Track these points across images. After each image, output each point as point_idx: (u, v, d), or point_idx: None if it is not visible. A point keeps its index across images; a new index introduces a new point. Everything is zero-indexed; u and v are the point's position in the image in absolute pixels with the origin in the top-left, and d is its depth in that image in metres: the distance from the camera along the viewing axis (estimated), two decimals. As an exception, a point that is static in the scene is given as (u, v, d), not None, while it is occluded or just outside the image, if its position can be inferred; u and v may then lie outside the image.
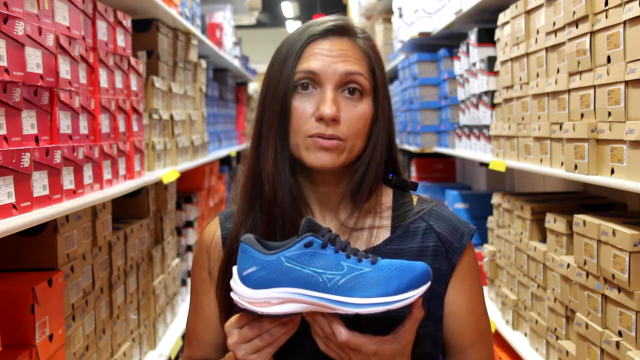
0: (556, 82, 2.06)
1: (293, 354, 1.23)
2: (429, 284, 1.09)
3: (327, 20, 1.27)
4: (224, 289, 1.27)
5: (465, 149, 3.48)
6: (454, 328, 1.28)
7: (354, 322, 1.11)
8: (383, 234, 1.28)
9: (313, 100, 1.22)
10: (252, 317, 1.11)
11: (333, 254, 1.09)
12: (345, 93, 1.22)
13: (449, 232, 1.28)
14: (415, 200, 1.35)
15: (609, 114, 1.69)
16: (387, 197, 1.33)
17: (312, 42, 1.24)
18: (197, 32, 3.62)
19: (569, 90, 1.97)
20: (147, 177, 2.44)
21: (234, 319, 1.14)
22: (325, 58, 1.22)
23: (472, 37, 3.18)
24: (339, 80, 1.22)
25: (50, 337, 1.58)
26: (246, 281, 1.09)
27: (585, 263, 1.84)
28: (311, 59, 1.23)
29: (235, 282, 1.11)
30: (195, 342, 1.37)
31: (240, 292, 1.10)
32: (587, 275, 1.85)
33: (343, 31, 1.26)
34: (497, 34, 2.80)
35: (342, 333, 1.09)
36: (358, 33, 1.28)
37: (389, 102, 1.30)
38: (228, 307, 1.26)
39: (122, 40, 2.23)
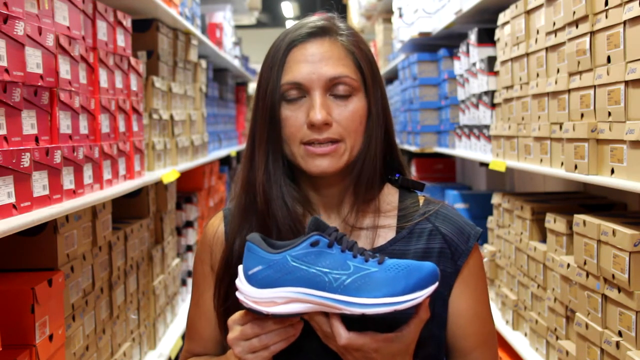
0: (556, 82, 2.06)
1: (298, 354, 1.22)
2: (436, 284, 1.07)
3: (306, 23, 1.26)
4: (224, 287, 1.27)
5: (465, 149, 3.48)
6: (458, 331, 1.27)
7: (358, 319, 1.10)
8: (388, 234, 1.27)
9: (303, 107, 1.21)
10: (256, 316, 1.11)
11: (339, 254, 1.08)
12: (335, 94, 1.22)
13: (455, 234, 1.27)
14: (421, 201, 1.33)
15: (609, 114, 1.69)
16: (393, 197, 1.32)
17: (293, 49, 1.23)
18: (197, 32, 3.63)
19: (569, 90, 1.97)
20: (147, 177, 2.44)
21: (237, 315, 1.14)
22: (308, 65, 1.21)
23: (472, 37, 3.18)
24: (325, 85, 1.21)
25: (50, 337, 1.58)
26: (252, 280, 1.09)
27: (585, 263, 1.84)
28: (294, 68, 1.21)
29: (241, 281, 1.10)
30: (196, 337, 1.37)
31: (246, 292, 1.09)
32: (587, 275, 1.84)
33: (322, 32, 1.25)
34: (497, 34, 2.80)
35: (342, 337, 1.08)
36: (339, 31, 1.26)
37: (382, 95, 1.28)
38: (225, 302, 1.25)
39: (122, 40, 2.23)
